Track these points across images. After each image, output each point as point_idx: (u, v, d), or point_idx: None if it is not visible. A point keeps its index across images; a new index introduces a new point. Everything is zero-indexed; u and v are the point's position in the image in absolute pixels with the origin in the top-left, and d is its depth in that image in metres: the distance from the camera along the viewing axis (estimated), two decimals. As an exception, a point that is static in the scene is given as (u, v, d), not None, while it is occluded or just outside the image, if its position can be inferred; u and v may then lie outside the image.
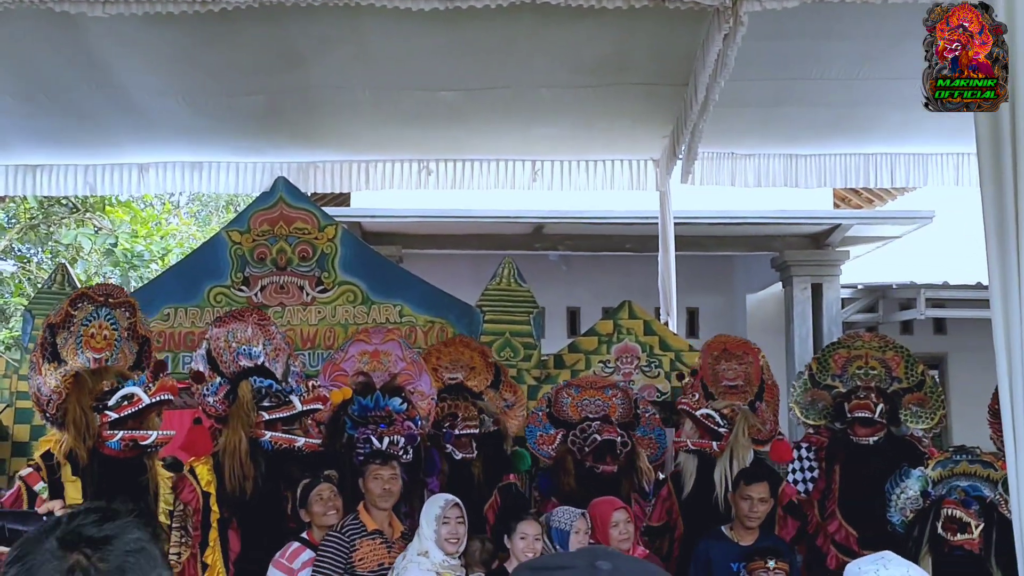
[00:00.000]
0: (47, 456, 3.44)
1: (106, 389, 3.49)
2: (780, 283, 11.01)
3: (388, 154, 8.10)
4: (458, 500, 4.40)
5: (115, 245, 15.42)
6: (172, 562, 3.34)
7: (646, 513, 5.55)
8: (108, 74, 6.29)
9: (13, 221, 16.99)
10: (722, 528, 4.79)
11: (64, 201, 15.81)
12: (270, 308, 7.02)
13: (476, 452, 5.61)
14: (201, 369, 4.38)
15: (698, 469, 5.29)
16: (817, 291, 10.59)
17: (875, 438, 5.10)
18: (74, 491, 3.28)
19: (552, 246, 10.50)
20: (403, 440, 4.93)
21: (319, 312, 7.48)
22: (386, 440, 4.88)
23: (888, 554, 3.02)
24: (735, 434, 5.18)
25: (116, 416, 3.42)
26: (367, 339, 5.73)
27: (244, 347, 4.58)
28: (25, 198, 15.47)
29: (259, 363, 4.56)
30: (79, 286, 8.13)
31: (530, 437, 5.87)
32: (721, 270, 11.73)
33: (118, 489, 3.02)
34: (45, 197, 14.87)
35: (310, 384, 4.82)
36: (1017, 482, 3.31)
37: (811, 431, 5.51)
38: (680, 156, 7.27)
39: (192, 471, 4.28)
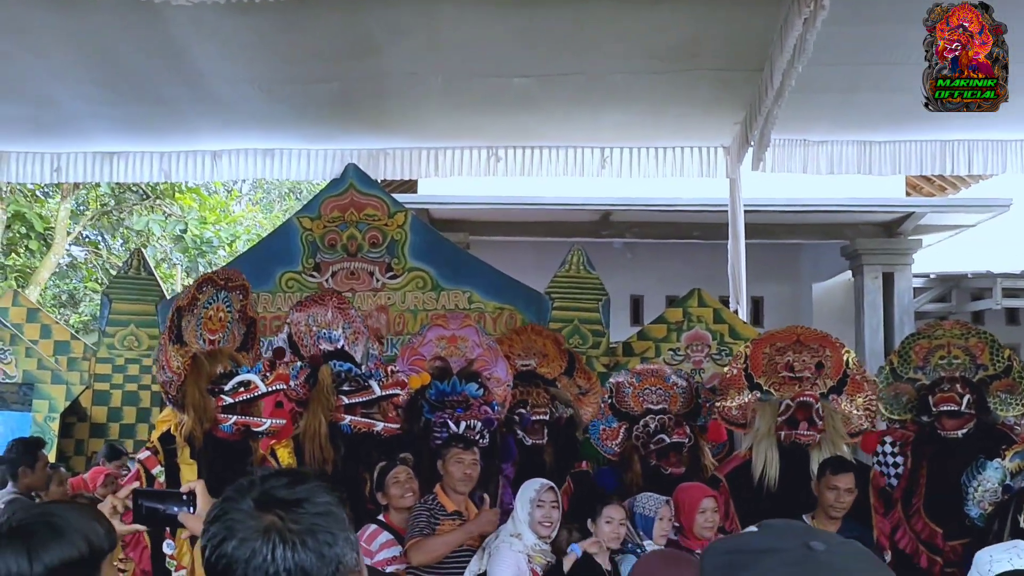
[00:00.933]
0: (165, 439, 3.50)
1: (220, 372, 3.54)
2: (849, 272, 10.85)
3: (458, 141, 8.12)
4: (553, 485, 4.40)
5: (184, 231, 15.69)
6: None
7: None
8: (187, 62, 6.38)
9: (84, 208, 17.35)
10: (804, 518, 4.71)
11: (135, 188, 16.12)
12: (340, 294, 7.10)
13: (547, 438, 5.61)
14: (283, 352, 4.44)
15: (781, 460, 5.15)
16: (888, 280, 10.42)
17: (963, 430, 4.94)
18: (190, 473, 3.33)
19: (619, 233, 10.45)
20: (480, 424, 4.96)
21: (388, 298, 7.54)
22: (463, 424, 4.92)
23: (1020, 543, 2.96)
24: (830, 425, 5.06)
25: (230, 401, 3.47)
26: (444, 324, 5.75)
27: (324, 331, 4.64)
28: (97, 185, 15.82)
29: (339, 347, 4.60)
30: (153, 272, 8.31)
31: (593, 433, 5.81)
32: (787, 258, 11.57)
33: (226, 471, 3.06)
34: (117, 184, 15.19)
35: (389, 369, 4.85)
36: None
37: (896, 425, 5.39)
38: (752, 143, 7.17)
39: (273, 453, 4.34)
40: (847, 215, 10.18)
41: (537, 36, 6.03)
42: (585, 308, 7.54)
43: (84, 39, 6.08)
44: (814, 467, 4.92)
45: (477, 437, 4.90)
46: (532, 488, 4.36)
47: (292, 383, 4.45)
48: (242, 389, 3.52)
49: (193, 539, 3.01)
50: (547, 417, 5.67)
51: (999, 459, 4.48)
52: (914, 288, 10.60)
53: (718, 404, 5.55)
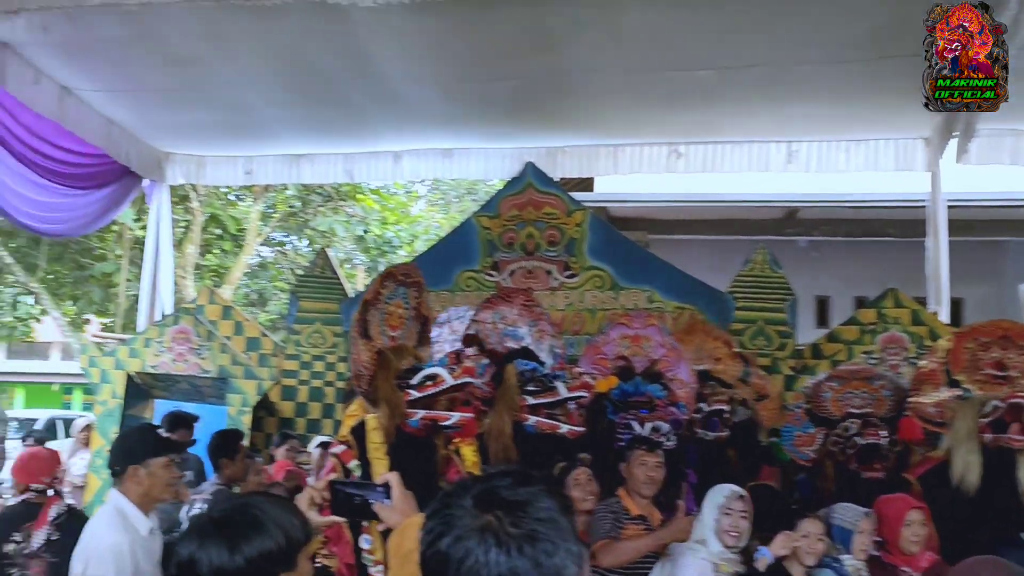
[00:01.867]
0: (357, 433, 3.52)
1: (406, 367, 3.54)
2: (1060, 272, 10.06)
3: (637, 137, 7.95)
4: (744, 493, 4.20)
5: (366, 232, 16.16)
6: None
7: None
8: (370, 64, 6.49)
9: (272, 210, 18.15)
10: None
11: (320, 190, 16.71)
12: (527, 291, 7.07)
13: (729, 433, 5.40)
14: (468, 352, 4.40)
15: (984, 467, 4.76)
16: (1106, 281, 9.59)
17: None
18: (382, 468, 3.33)
19: (806, 231, 10.04)
20: (667, 426, 4.81)
21: (567, 297, 7.47)
22: (648, 426, 4.78)
23: None
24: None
25: (417, 395, 3.46)
26: (628, 323, 5.63)
27: (510, 328, 4.59)
28: (285, 188, 16.49)
29: (524, 345, 4.54)
30: (338, 271, 8.53)
31: (786, 438, 5.56)
32: (989, 257, 10.83)
33: (412, 467, 3.03)
34: (303, 186, 15.79)
35: (573, 370, 4.77)
36: None
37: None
38: (956, 134, 6.70)
39: (458, 452, 4.31)
40: (1058, 210, 9.43)
41: (723, 26, 5.80)
42: (770, 309, 7.23)
43: (274, 45, 6.27)
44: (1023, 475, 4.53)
45: (662, 439, 4.75)
46: (721, 494, 4.17)
47: (478, 380, 4.42)
48: (429, 383, 3.50)
49: (385, 533, 3.00)
50: (727, 408, 5.44)
51: None
52: None
53: (912, 400, 5.21)
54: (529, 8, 5.67)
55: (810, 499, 5.14)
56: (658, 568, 4.24)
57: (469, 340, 4.42)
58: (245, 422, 7.60)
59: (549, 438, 4.67)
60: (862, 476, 5.00)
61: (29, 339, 23.38)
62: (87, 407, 33.72)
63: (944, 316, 7.22)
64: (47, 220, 7.90)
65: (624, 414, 4.88)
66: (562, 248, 7.54)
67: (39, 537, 4.44)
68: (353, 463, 3.44)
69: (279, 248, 20.25)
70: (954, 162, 7.03)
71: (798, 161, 7.80)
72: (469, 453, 4.37)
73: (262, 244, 18.65)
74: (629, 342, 5.52)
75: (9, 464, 5.05)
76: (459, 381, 3.54)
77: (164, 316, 8.45)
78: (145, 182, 8.78)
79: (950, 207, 7.79)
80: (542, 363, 4.55)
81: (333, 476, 3.27)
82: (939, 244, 7.23)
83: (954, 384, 5.10)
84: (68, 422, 21.82)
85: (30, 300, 19.66)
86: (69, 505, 4.81)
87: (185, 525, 5.12)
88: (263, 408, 8.01)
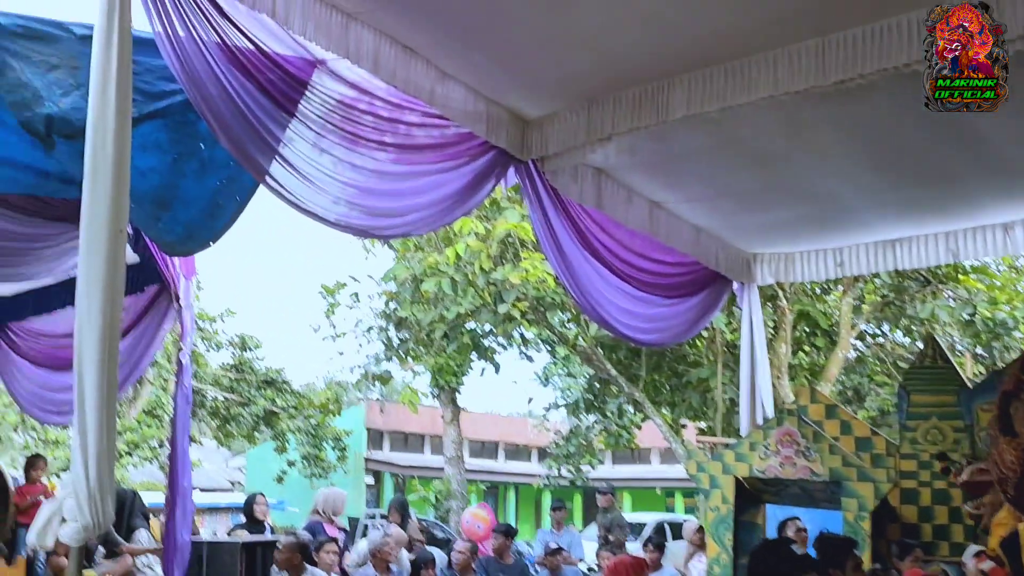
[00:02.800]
0: (1007, 545, 3.00)
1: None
2: None
3: None
4: None
5: (973, 314, 14.77)
6: None
7: None
8: (966, 128, 5.86)
9: (862, 301, 17.45)
10: None
11: (915, 275, 15.72)
12: None
13: None
14: None
15: None
16: None
17: None
18: None
19: None
20: None
21: None
22: None
23: None
24: None
25: None
26: None
27: None
28: (875, 276, 15.77)
29: None
30: (951, 359, 7.77)
31: None
32: None
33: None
34: (896, 273, 14.95)
35: None
36: None
37: None
38: None
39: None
40: None
41: None
42: None
43: (858, 127, 5.95)
44: None
45: None
46: None
47: None
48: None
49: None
50: None
51: None
52: None
53: None
54: None
55: None
56: None
57: None
58: (864, 528, 7.09)
59: None
60: None
61: (632, 446, 25.06)
62: (689, 510, 35.11)
63: None
64: (647, 331, 8.28)
65: None
66: None
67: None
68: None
69: (874, 340, 19.37)
70: None
71: None
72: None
73: (855, 338, 17.97)
74: None
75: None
76: None
77: (766, 419, 8.33)
78: (735, 285, 8.87)
79: None
80: None
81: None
82: None
83: None
84: (675, 525, 22.82)
85: (630, 408, 21.05)
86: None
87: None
88: (884, 512, 7.42)
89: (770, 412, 8.58)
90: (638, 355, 17.63)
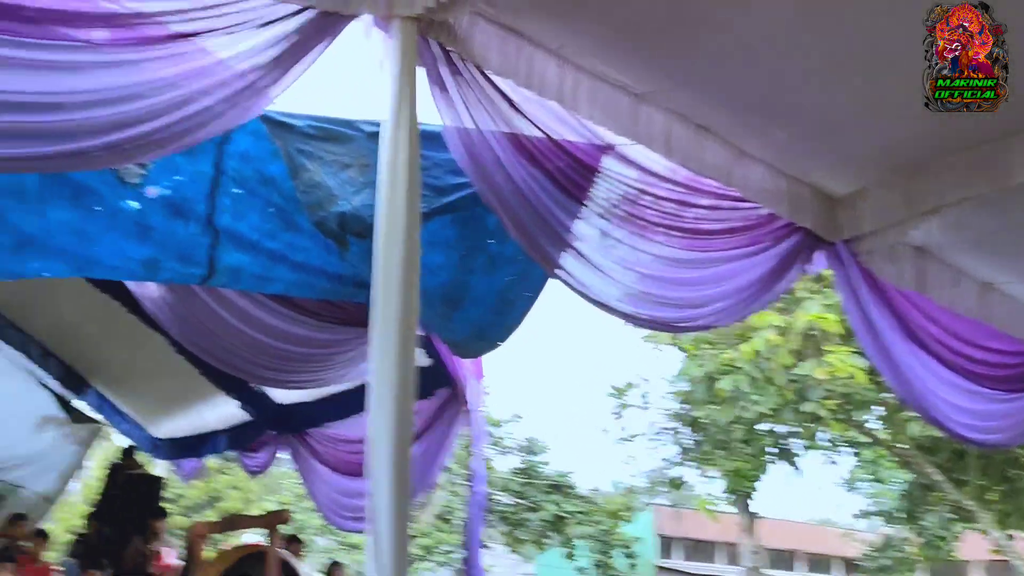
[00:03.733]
0: None
1: None
2: None
3: None
4: None
5: None
6: None
7: None
8: None
9: None
10: None
11: None
12: None
13: None
14: None
15: None
16: None
17: None
18: None
19: None
20: None
21: None
22: None
23: None
24: None
25: None
26: None
27: None
28: None
29: None
30: None
31: None
32: None
33: None
34: None
35: None
36: None
37: None
38: None
39: None
40: None
41: None
42: None
43: None
44: None
45: None
46: None
47: None
48: None
49: None
50: None
51: None
52: None
53: None
54: None
55: None
56: None
57: None
58: None
59: None
60: None
61: (951, 558, 22.82)
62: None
63: None
64: (983, 430, 7.29)
65: None
66: None
67: None
68: None
69: None
70: None
71: None
72: None
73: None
74: None
75: None
76: None
77: None
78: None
79: None
80: None
81: None
82: None
83: None
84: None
85: (954, 516, 19.09)
86: None
87: None
88: None
89: None
90: (962, 457, 15.87)
